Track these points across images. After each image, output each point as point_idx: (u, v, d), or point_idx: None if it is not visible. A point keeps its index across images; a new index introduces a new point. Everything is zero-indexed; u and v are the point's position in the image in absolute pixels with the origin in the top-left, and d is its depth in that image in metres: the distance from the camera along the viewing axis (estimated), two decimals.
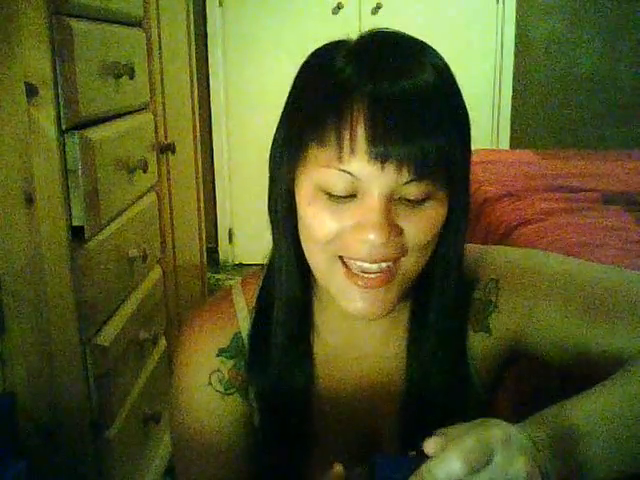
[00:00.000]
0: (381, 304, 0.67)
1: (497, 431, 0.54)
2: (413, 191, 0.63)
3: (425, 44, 0.68)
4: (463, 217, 0.70)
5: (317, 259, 0.68)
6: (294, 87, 0.69)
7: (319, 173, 0.64)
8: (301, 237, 0.69)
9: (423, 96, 0.62)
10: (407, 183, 0.62)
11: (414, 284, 0.72)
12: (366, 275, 0.65)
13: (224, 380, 0.77)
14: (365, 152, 0.61)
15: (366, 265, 0.65)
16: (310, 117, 0.65)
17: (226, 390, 0.77)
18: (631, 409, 0.61)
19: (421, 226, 0.64)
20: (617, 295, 0.70)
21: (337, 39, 0.68)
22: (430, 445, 0.54)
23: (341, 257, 0.66)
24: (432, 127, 0.62)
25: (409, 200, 0.64)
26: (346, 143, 0.61)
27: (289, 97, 0.69)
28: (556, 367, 0.76)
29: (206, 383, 0.76)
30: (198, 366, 0.77)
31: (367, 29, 0.69)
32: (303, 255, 0.70)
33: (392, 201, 0.63)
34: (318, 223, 0.65)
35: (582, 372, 0.72)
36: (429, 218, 0.65)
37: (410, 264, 0.66)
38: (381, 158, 0.61)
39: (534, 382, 1.25)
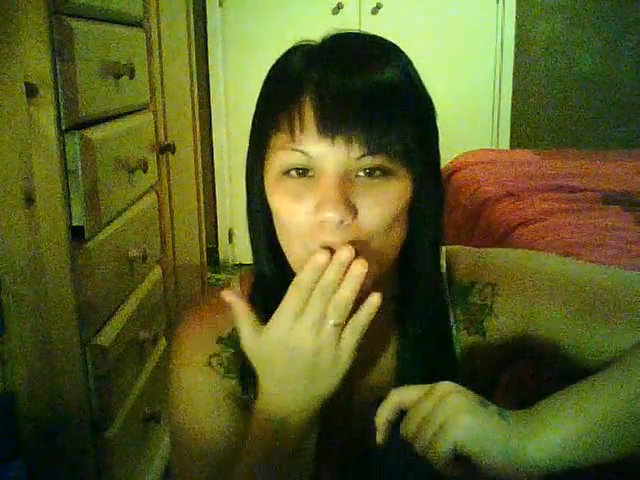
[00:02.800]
0: None
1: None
2: (368, 166, 0.64)
3: (388, 42, 0.70)
4: (433, 204, 0.70)
5: (294, 251, 0.68)
6: (260, 91, 0.72)
7: (277, 157, 0.66)
8: (277, 230, 0.70)
9: (372, 79, 0.64)
10: (360, 158, 0.63)
11: (398, 284, 0.72)
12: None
13: (224, 364, 0.76)
14: (314, 129, 0.63)
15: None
16: (266, 109, 0.69)
17: (226, 372, 0.76)
18: (614, 409, 0.59)
19: (378, 205, 0.64)
20: (617, 295, 0.70)
21: (300, 41, 0.71)
22: None
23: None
24: (381, 103, 0.63)
25: (366, 175, 0.64)
26: (296, 123, 0.64)
27: (257, 102, 0.72)
28: (556, 368, 0.76)
29: (205, 363, 0.76)
30: (197, 348, 0.77)
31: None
32: (282, 256, 0.71)
33: (348, 180, 0.64)
34: (284, 207, 0.66)
35: (582, 373, 0.72)
36: (387, 197, 0.65)
37: (375, 248, 0.66)
38: (330, 133, 0.63)
39: (534, 382, 1.25)
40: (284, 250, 0.70)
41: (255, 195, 0.73)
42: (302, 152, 0.64)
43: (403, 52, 0.70)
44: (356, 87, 0.63)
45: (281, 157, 0.66)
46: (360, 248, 0.64)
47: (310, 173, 0.65)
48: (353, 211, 0.63)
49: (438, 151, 0.71)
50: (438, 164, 0.71)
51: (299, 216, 0.65)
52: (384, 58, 0.67)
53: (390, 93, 0.65)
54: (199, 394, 0.76)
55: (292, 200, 0.65)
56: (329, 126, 0.62)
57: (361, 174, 0.65)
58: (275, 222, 0.70)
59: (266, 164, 0.69)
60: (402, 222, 0.67)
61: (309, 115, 0.64)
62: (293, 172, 0.66)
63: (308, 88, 0.64)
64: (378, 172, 0.65)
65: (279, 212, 0.67)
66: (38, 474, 1.20)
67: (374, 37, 0.71)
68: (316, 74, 0.65)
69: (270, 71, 0.71)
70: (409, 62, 0.69)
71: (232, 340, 0.76)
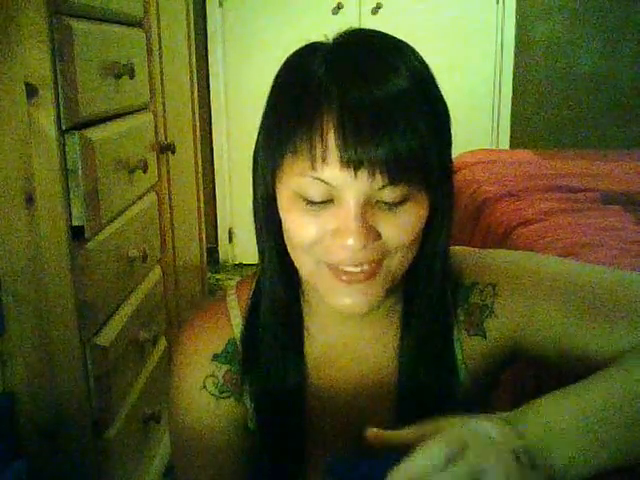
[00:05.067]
0: (366, 299, 0.67)
1: (474, 426, 0.55)
2: (389, 195, 0.63)
3: (404, 45, 0.68)
4: (447, 215, 0.71)
5: (302, 262, 0.69)
6: (271, 92, 0.69)
7: (295, 182, 0.65)
8: (286, 241, 0.70)
9: (393, 101, 0.62)
10: (381, 188, 0.63)
11: (404, 284, 0.73)
12: (348, 269, 0.66)
13: (219, 384, 0.78)
14: (337, 159, 0.61)
15: (348, 269, 0.66)
16: (284, 127, 0.65)
17: (221, 393, 0.78)
18: (613, 407, 0.60)
19: (400, 229, 0.65)
20: (617, 296, 0.70)
21: (314, 41, 0.68)
22: (405, 433, 0.55)
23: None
24: (403, 131, 0.61)
25: (386, 203, 0.64)
26: (318, 151, 0.62)
27: (267, 101, 0.69)
28: (555, 368, 0.76)
29: (201, 386, 0.77)
30: (193, 370, 0.78)
31: (345, 30, 0.68)
32: (287, 258, 0.71)
33: (369, 206, 0.64)
34: (298, 228, 0.66)
35: (581, 373, 0.72)
36: (408, 221, 0.65)
37: (394, 263, 0.67)
38: (353, 165, 0.61)
39: (534, 382, 1.25)
40: (294, 260, 0.71)
41: (264, 203, 0.71)
42: (323, 181, 0.63)
43: (417, 52, 0.68)
44: (380, 112, 0.61)
45: (299, 183, 0.64)
46: (382, 265, 0.66)
47: (328, 197, 0.64)
48: (375, 235, 0.64)
49: (451, 155, 0.70)
50: (451, 170, 0.71)
51: (312, 235, 0.65)
52: (402, 67, 0.64)
53: (412, 117, 0.62)
54: (197, 416, 0.78)
55: (308, 222, 0.65)
56: (353, 158, 0.61)
57: (380, 200, 0.64)
58: (285, 236, 0.70)
59: (279, 181, 0.68)
60: (420, 236, 0.68)
61: (331, 143, 0.61)
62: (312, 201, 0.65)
63: (329, 110, 0.61)
64: (397, 199, 0.64)
65: (292, 230, 0.67)
66: (38, 474, 1.20)
67: (389, 40, 0.68)
68: (336, 91, 0.62)
69: (282, 77, 0.69)
70: (424, 65, 0.67)
71: (226, 356, 0.78)
